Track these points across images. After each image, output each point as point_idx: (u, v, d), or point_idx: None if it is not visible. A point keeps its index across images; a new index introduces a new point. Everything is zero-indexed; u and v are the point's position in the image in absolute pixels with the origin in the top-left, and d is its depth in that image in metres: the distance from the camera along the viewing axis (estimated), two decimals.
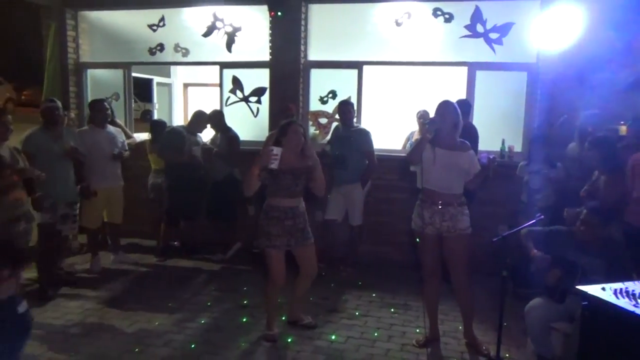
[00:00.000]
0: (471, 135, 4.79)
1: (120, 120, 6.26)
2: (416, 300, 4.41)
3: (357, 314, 4.27)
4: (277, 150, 3.36)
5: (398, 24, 5.71)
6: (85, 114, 6.62)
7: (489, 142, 5.15)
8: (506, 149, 5.37)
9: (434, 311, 3.76)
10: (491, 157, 3.47)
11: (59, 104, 4.74)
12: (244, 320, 4.08)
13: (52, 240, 4.59)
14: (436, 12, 5.60)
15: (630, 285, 2.38)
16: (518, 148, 5.42)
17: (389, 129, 6.10)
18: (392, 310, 4.36)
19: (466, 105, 4.92)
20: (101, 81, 6.81)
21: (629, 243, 3.42)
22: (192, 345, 3.68)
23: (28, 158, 4.13)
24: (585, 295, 2.34)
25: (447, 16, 5.58)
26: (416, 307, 4.31)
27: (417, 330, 3.93)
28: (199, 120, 5.64)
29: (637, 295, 2.28)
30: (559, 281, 3.11)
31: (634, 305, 2.19)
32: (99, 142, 5.13)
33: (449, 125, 3.50)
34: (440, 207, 3.49)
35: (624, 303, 2.21)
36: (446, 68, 5.82)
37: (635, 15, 4.77)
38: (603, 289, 2.37)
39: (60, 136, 4.60)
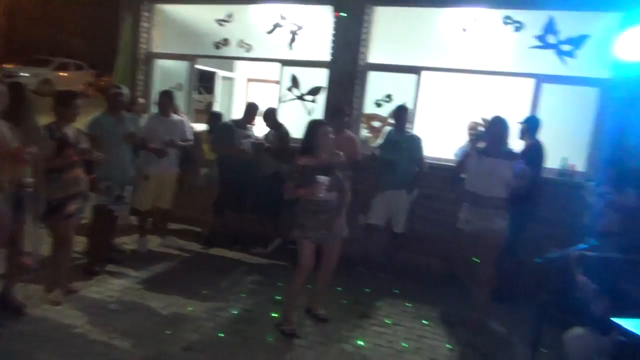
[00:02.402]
0: (537, 153, 4.59)
1: (182, 114, 6.47)
2: (452, 315, 4.26)
3: (388, 322, 4.17)
4: (324, 180, 3.57)
5: (464, 30, 5.52)
6: (153, 101, 6.95)
7: (549, 158, 4.84)
8: (567, 167, 5.03)
9: None
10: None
11: (124, 90, 4.99)
12: (275, 315, 4.08)
13: (104, 220, 4.82)
14: (506, 20, 5.35)
15: None
16: (580, 167, 5.07)
17: (444, 137, 5.90)
18: (425, 322, 4.21)
19: (534, 122, 4.77)
20: (167, 71, 7.11)
21: None
22: (221, 334, 3.73)
23: (92, 140, 4.36)
24: (622, 330, 2.13)
25: (517, 25, 5.33)
26: (451, 322, 4.15)
27: (449, 347, 3.76)
28: (249, 112, 5.72)
29: None
30: (607, 312, 2.85)
31: None
32: (158, 129, 5.33)
33: (495, 138, 4.01)
34: (480, 208, 3.93)
35: None
36: (510, 79, 5.54)
37: None
38: None
39: (122, 121, 4.83)
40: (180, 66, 6.96)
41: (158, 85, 6.95)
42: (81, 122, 4.43)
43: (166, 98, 5.44)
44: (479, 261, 3.93)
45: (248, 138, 5.61)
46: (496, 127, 4.02)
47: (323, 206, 3.69)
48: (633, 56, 4.58)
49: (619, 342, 2.20)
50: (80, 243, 4.94)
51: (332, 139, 3.80)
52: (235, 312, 4.14)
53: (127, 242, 5.62)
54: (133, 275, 4.76)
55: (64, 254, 4.07)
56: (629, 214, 4.06)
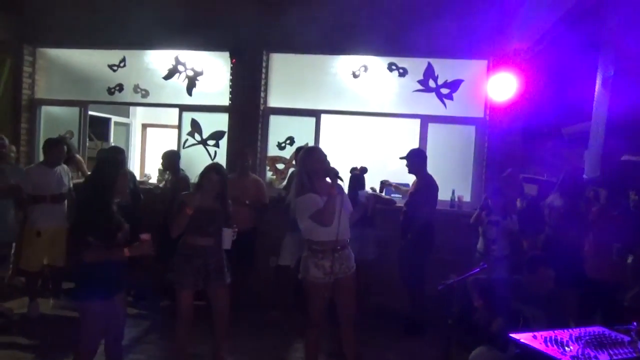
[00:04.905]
0: (430, 187, 4.92)
1: (79, 156, 6.12)
2: (365, 348, 4.39)
3: None
4: (228, 232, 3.59)
5: (355, 76, 5.94)
6: (37, 150, 6.47)
7: (439, 191, 5.28)
8: (456, 199, 5.54)
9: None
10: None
11: (6, 140, 4.62)
12: None
13: None
14: (391, 67, 5.87)
15: (560, 334, 2.47)
16: (467, 198, 5.61)
17: (345, 176, 6.18)
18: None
19: (416, 156, 5.03)
20: (56, 118, 6.69)
21: None
22: None
23: None
24: (517, 343, 2.41)
25: (401, 70, 5.86)
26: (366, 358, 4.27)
27: None
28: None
29: (564, 343, 2.38)
30: (502, 330, 3.16)
31: (561, 353, 2.29)
32: (47, 181, 4.97)
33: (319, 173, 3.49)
34: (339, 253, 3.45)
35: (552, 351, 2.30)
36: (400, 120, 6.01)
37: (579, 75, 5.14)
38: (534, 337, 2.45)
39: (3, 172, 4.45)
40: (71, 112, 6.59)
41: (44, 133, 6.51)
42: None
43: (53, 149, 5.06)
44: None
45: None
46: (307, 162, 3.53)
47: (199, 250, 3.62)
48: (501, 97, 5.25)
49: (514, 354, 2.46)
50: None
51: (215, 186, 3.70)
52: None
53: (15, 307, 5.06)
54: (25, 344, 4.30)
55: None
56: (513, 237, 4.58)
